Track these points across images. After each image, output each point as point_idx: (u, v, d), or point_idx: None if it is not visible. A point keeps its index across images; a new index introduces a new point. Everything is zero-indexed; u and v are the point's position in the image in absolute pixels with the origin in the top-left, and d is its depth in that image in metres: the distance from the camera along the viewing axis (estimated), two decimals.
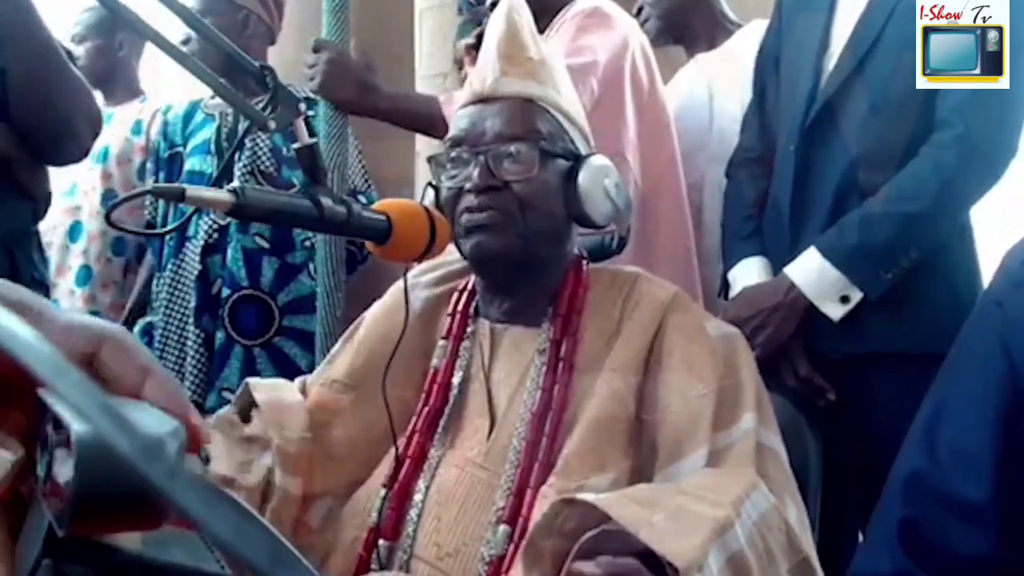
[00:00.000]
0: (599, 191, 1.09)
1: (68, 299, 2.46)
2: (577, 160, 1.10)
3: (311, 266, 2.12)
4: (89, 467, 0.33)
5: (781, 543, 0.91)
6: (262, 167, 2.10)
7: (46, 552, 0.36)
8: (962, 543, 0.75)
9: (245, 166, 2.10)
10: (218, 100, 2.24)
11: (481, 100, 1.11)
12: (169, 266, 2.17)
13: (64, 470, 0.35)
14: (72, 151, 1.73)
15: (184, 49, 1.41)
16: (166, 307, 2.16)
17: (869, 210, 1.38)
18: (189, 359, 2.09)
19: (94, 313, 2.48)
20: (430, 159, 1.15)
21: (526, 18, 1.14)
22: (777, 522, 0.92)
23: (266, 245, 2.09)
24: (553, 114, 1.11)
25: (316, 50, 1.68)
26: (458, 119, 1.13)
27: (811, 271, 1.40)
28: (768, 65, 1.62)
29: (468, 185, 1.07)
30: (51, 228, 2.41)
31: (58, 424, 0.34)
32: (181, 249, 2.15)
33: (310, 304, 2.11)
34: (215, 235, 2.10)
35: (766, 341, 1.43)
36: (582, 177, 1.08)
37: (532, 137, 1.08)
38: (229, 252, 2.08)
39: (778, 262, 1.49)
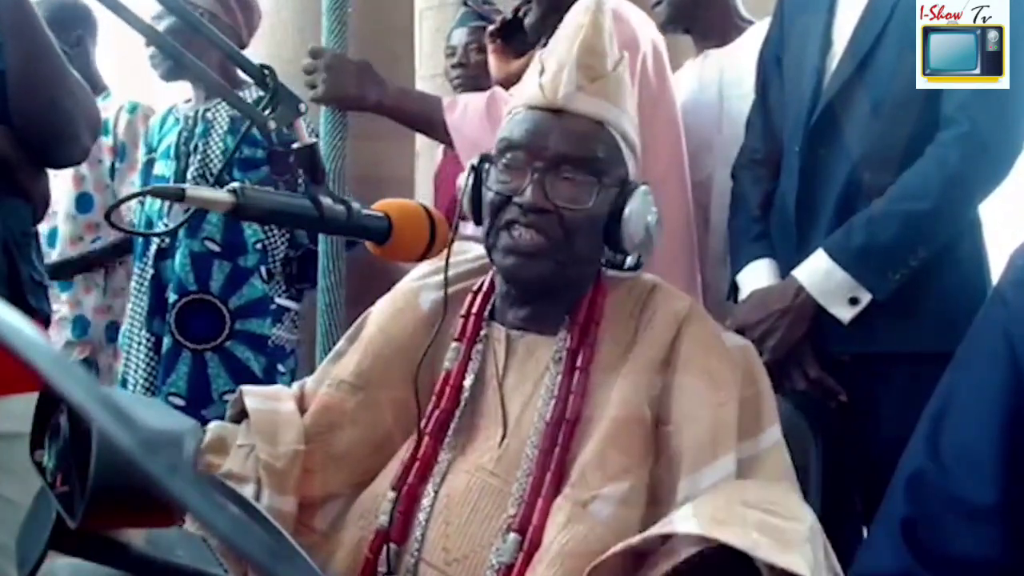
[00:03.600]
0: (641, 225, 1.06)
1: (54, 304, 2.46)
2: (625, 187, 1.07)
3: (263, 269, 2.11)
4: (108, 459, 0.33)
5: (823, 556, 0.90)
6: (213, 169, 2.08)
7: (53, 544, 0.36)
8: (966, 544, 0.75)
9: (197, 169, 2.09)
10: (189, 104, 2.25)
11: (549, 109, 1.06)
12: (135, 270, 2.18)
13: (78, 461, 0.35)
14: (72, 152, 1.73)
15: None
16: (131, 311, 2.17)
17: (875, 211, 1.37)
18: (140, 362, 2.10)
19: (79, 317, 2.49)
20: (484, 157, 1.10)
21: (609, 21, 1.09)
22: (821, 537, 0.91)
23: (217, 249, 2.08)
24: (616, 138, 1.07)
25: (314, 57, 1.68)
26: (519, 121, 1.07)
27: (819, 273, 1.40)
28: (770, 65, 1.61)
29: (518, 199, 1.04)
30: None
31: (72, 415, 0.34)
32: (144, 254, 2.15)
33: (263, 307, 2.10)
34: (167, 240, 2.09)
35: (776, 345, 1.42)
36: (629, 209, 1.06)
37: (593, 166, 1.05)
38: (177, 257, 2.07)
39: (785, 263, 1.49)
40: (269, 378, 2.09)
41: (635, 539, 0.87)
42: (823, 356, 1.44)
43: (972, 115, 1.32)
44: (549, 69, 1.08)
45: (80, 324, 2.50)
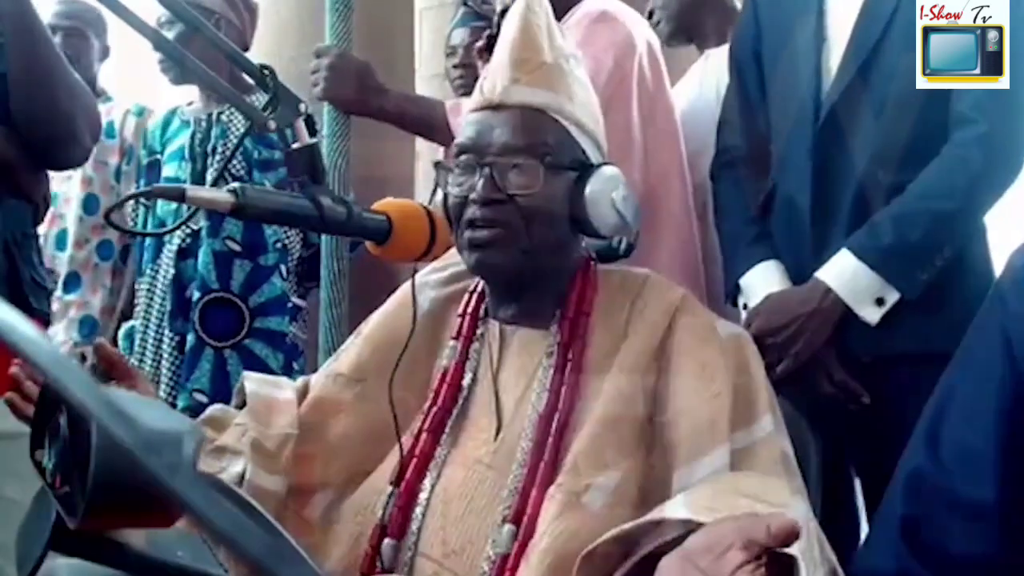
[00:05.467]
0: (606, 203, 1.07)
1: (58, 305, 2.48)
2: (585, 170, 1.09)
3: (282, 268, 2.15)
4: (107, 459, 0.33)
5: (817, 550, 0.91)
6: (232, 171, 2.11)
7: (52, 545, 0.36)
8: (964, 542, 0.75)
9: (216, 171, 2.11)
10: (194, 107, 2.25)
11: (490, 107, 1.10)
12: (147, 271, 2.20)
13: (78, 461, 0.35)
14: (73, 154, 1.73)
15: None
16: (144, 312, 2.19)
17: (901, 210, 1.35)
18: (164, 362, 2.12)
19: (87, 318, 2.50)
20: (436, 164, 1.14)
21: (544, 17, 1.12)
22: (814, 528, 0.92)
23: (238, 248, 2.11)
24: (562, 123, 1.09)
25: (318, 56, 1.68)
26: (466, 126, 1.12)
27: (846, 274, 1.37)
28: (746, 61, 1.57)
29: (473, 195, 1.06)
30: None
31: (72, 415, 0.35)
32: (158, 254, 2.17)
33: (281, 305, 2.14)
34: (188, 240, 2.12)
35: (801, 349, 1.38)
36: (589, 188, 1.07)
37: (538, 150, 1.06)
38: (200, 256, 2.10)
39: (797, 266, 1.45)
40: (286, 375, 2.11)
41: (628, 525, 0.88)
42: (845, 358, 1.41)
43: (989, 115, 1.32)
44: (488, 73, 1.12)
45: (88, 324, 2.51)
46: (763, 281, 1.48)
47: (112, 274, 2.54)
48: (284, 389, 1.16)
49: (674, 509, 0.87)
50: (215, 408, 1.14)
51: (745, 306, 1.50)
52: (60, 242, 2.51)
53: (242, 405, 1.15)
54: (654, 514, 0.88)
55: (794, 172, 1.47)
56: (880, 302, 1.36)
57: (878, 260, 1.35)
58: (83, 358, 2.45)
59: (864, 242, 1.37)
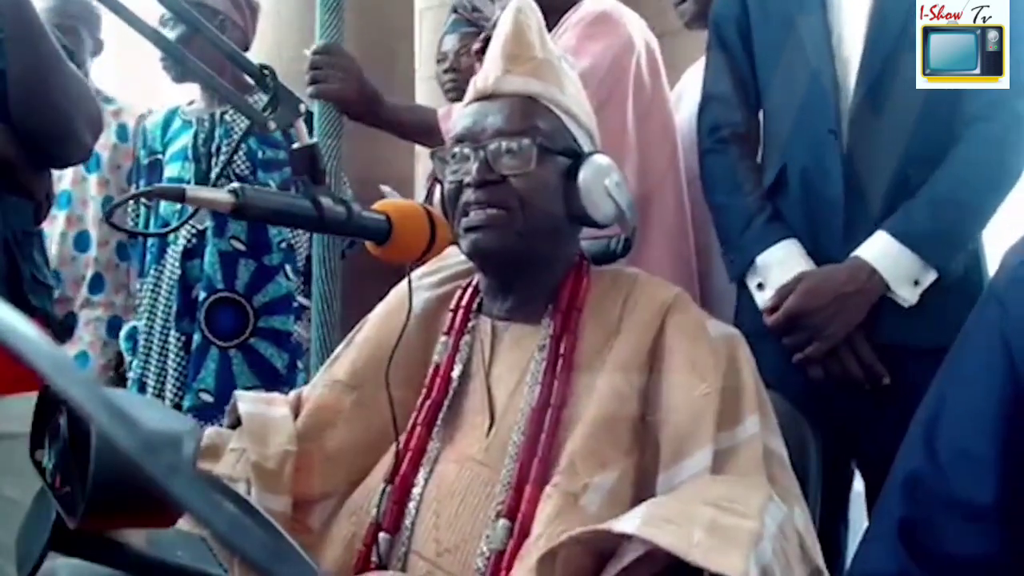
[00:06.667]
0: (599, 189, 1.09)
1: (87, 308, 2.49)
2: (578, 158, 1.11)
3: (287, 268, 2.16)
4: (107, 459, 0.33)
5: (796, 553, 0.91)
6: (237, 171, 2.12)
7: (52, 545, 0.36)
8: (963, 544, 0.75)
9: (220, 170, 2.11)
10: (195, 106, 2.26)
11: (484, 97, 1.13)
12: (151, 271, 2.21)
13: (78, 461, 0.35)
14: (74, 152, 1.73)
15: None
16: (148, 312, 2.20)
17: (934, 197, 1.37)
18: (170, 362, 2.13)
19: (115, 319, 2.51)
20: (433, 154, 1.16)
21: (534, 19, 1.15)
22: (792, 532, 0.92)
23: (243, 248, 2.13)
24: (555, 112, 1.12)
25: (317, 53, 1.68)
26: (462, 117, 1.14)
27: (887, 255, 1.37)
28: (732, 40, 1.57)
29: (467, 179, 1.08)
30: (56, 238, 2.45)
31: (71, 415, 0.35)
32: (162, 255, 2.19)
33: (286, 305, 2.16)
34: (194, 240, 2.14)
35: (837, 329, 1.38)
36: (582, 175, 1.09)
37: (531, 133, 1.09)
38: (206, 256, 2.11)
39: (818, 247, 1.44)
40: (291, 374, 2.15)
41: (577, 531, 0.88)
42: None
43: (1003, 115, 1.35)
44: (483, 67, 1.16)
45: (116, 324, 2.52)
46: (786, 260, 1.46)
47: (129, 274, 2.56)
48: (278, 406, 1.16)
49: (624, 522, 0.87)
50: (209, 433, 1.13)
51: (760, 285, 1.48)
52: (78, 243, 2.53)
53: (235, 424, 1.15)
54: (605, 524, 0.88)
55: (816, 155, 1.45)
56: (915, 284, 1.37)
57: (918, 242, 1.36)
58: (120, 358, 2.46)
59: (902, 225, 1.38)
